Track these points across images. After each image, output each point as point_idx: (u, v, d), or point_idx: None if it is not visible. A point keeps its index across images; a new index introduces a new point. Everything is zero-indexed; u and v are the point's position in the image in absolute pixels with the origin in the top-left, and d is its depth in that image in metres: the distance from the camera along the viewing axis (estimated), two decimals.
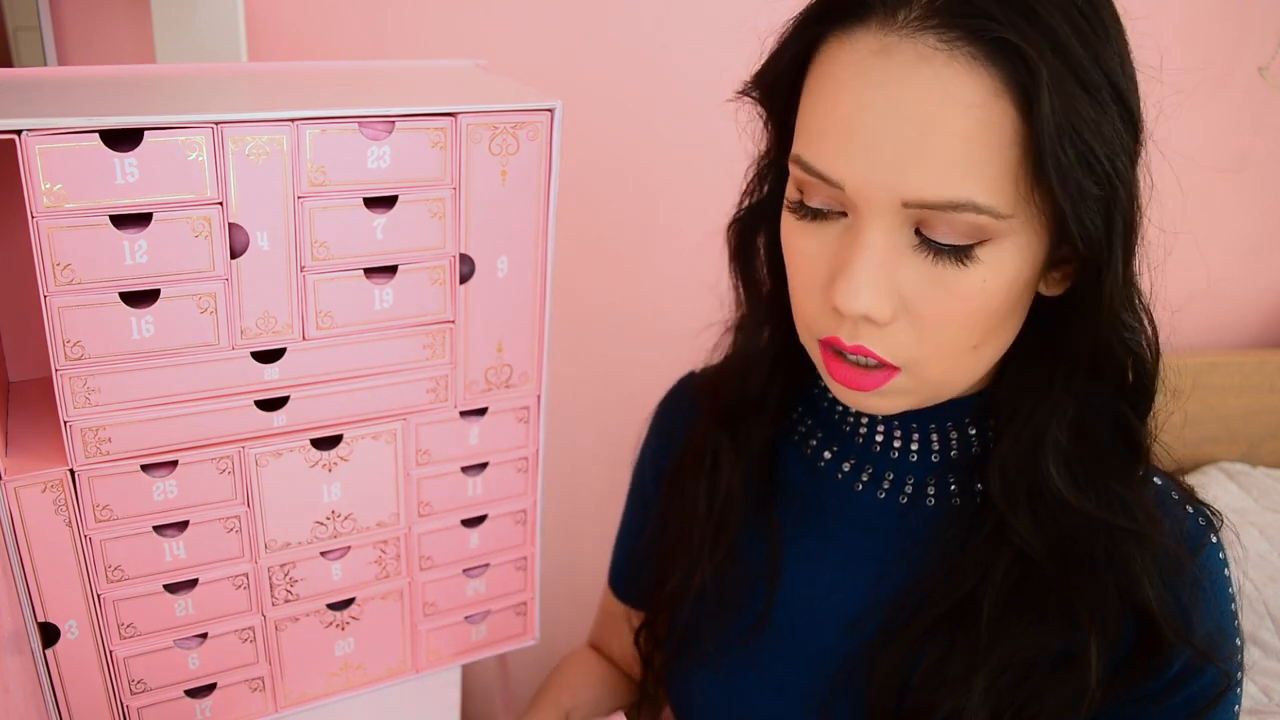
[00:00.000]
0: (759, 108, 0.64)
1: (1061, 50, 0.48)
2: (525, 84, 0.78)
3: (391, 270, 0.71)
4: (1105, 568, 0.58)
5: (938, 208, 0.50)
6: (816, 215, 0.56)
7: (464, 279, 0.74)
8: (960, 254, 0.52)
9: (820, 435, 0.70)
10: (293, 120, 0.64)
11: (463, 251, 0.73)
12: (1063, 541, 0.59)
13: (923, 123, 0.49)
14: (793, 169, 0.56)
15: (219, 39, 0.99)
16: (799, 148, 0.55)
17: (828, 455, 0.69)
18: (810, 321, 0.59)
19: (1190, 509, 0.62)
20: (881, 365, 0.56)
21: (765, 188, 0.67)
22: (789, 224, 0.58)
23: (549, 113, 0.71)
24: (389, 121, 0.66)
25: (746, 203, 0.69)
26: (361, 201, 0.68)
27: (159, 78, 0.73)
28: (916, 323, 0.54)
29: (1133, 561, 0.58)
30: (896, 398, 0.58)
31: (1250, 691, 1.35)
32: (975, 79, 0.49)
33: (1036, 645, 0.59)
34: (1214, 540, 0.62)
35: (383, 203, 0.69)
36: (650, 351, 1.55)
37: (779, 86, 0.59)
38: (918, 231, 0.52)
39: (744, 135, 0.67)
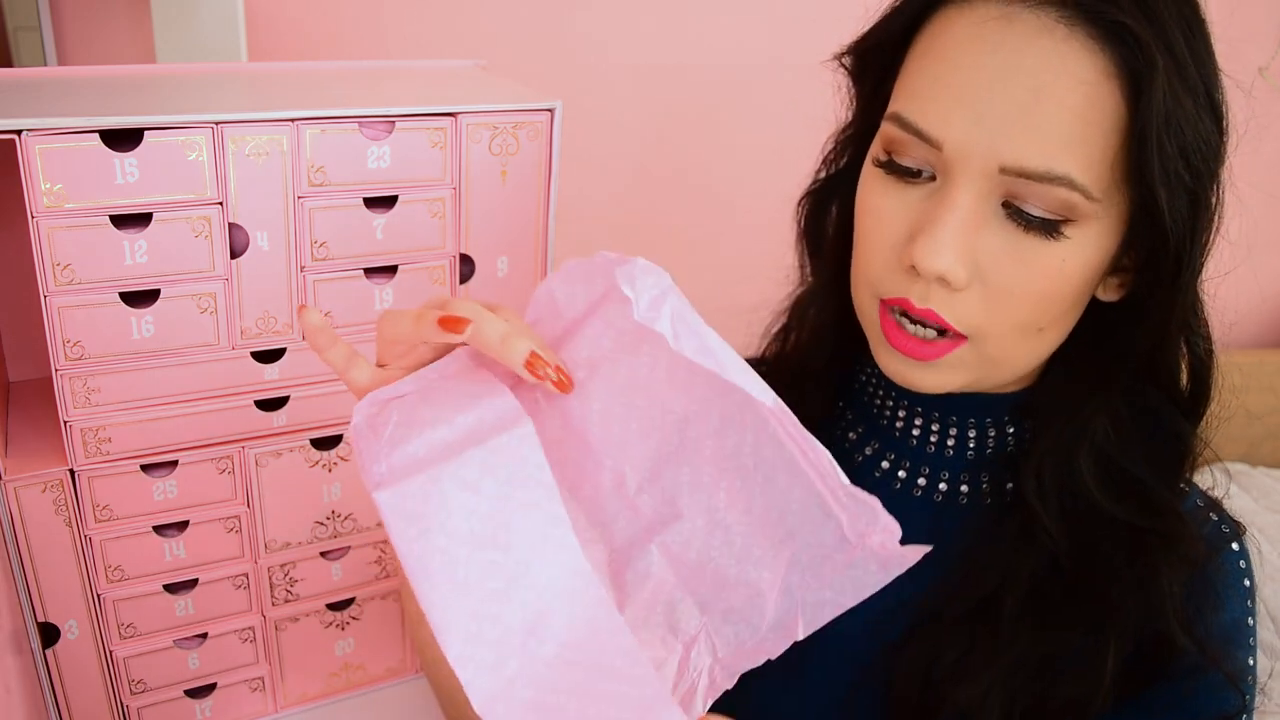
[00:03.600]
0: (848, 78, 0.64)
1: (1171, 47, 0.50)
2: (525, 84, 0.78)
3: (391, 270, 0.71)
4: (1129, 573, 0.58)
5: (1034, 178, 0.51)
6: (904, 175, 0.56)
7: (464, 279, 0.74)
8: (1048, 228, 0.52)
9: (860, 429, 0.70)
10: (293, 120, 0.64)
11: (463, 251, 0.73)
12: (1090, 544, 0.59)
13: (1035, 90, 0.50)
14: (888, 127, 0.56)
15: (219, 39, 0.99)
16: (899, 106, 0.55)
17: (868, 451, 0.69)
18: (877, 282, 0.58)
19: (1215, 516, 0.62)
20: (944, 334, 0.56)
21: (845, 159, 0.67)
22: (871, 183, 0.58)
23: (549, 113, 0.71)
24: (389, 121, 0.66)
25: (824, 174, 0.69)
26: (361, 201, 0.68)
27: (159, 78, 0.73)
28: (988, 293, 0.54)
29: (1158, 570, 0.58)
30: (950, 373, 0.58)
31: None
32: (1091, 57, 0.50)
33: (1054, 645, 0.59)
34: (1234, 548, 0.62)
35: (383, 203, 0.69)
36: None
37: (883, 51, 0.59)
38: (1005, 203, 0.53)
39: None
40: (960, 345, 0.56)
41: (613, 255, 0.48)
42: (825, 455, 0.46)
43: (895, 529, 0.46)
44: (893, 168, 0.56)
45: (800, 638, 0.49)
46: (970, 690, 0.59)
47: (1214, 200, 0.54)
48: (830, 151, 0.69)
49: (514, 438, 0.46)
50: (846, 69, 0.64)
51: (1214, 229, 0.55)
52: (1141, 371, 0.59)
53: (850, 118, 0.67)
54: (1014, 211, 0.53)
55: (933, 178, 0.55)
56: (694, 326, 0.45)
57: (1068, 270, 0.53)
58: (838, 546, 0.48)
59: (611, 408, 0.50)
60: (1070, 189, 0.51)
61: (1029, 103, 0.50)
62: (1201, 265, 0.55)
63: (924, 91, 0.54)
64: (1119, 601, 0.58)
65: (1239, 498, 1.67)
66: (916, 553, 0.46)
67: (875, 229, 0.58)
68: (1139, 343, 0.57)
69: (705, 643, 0.50)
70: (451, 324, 0.47)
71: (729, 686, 0.50)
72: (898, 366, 0.59)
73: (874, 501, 0.46)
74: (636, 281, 0.46)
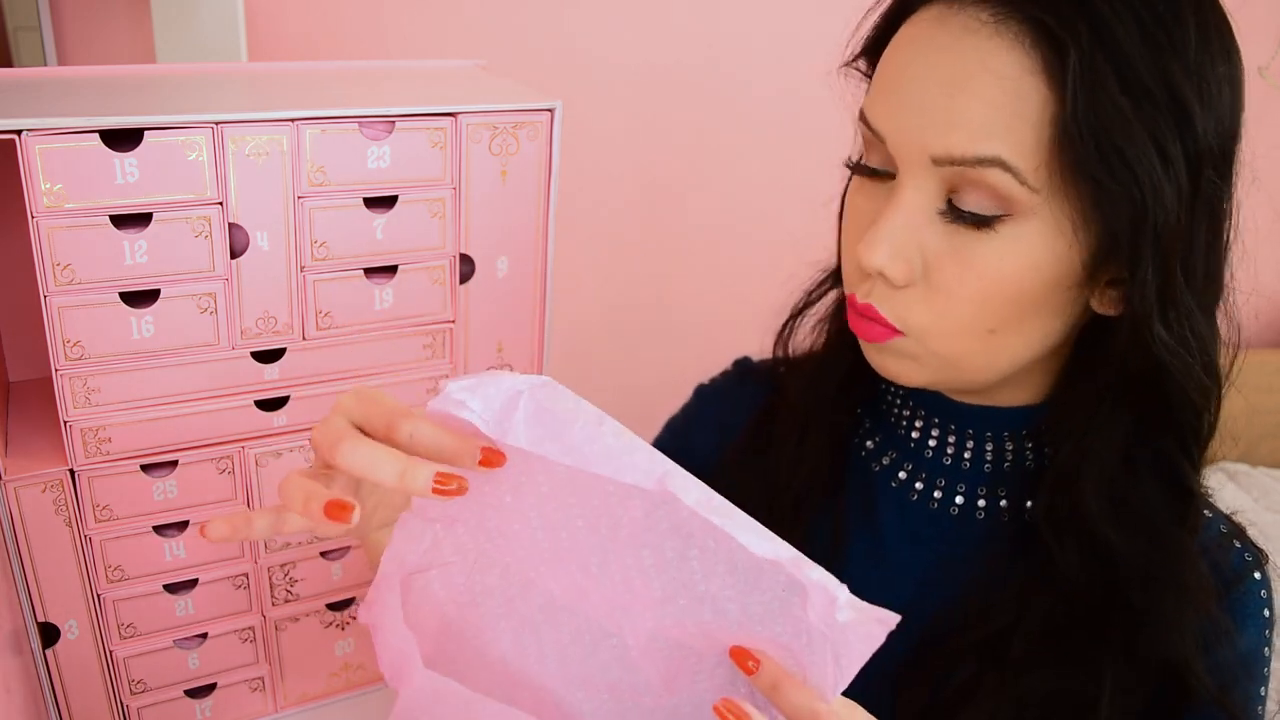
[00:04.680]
0: (865, 81, 0.66)
1: (1108, 44, 0.49)
2: (525, 84, 0.78)
3: (391, 270, 0.71)
4: (1142, 615, 0.57)
5: (965, 163, 0.51)
6: (873, 174, 0.58)
7: (464, 279, 0.74)
8: (980, 222, 0.53)
9: (878, 438, 0.70)
10: (293, 120, 0.64)
11: (463, 251, 0.73)
12: (1103, 577, 0.58)
13: (953, 85, 0.51)
14: (859, 126, 0.58)
15: (219, 39, 0.99)
16: (863, 104, 0.58)
17: (885, 461, 0.69)
18: (846, 278, 0.61)
19: (1238, 544, 0.61)
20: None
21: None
22: (852, 183, 0.61)
23: (549, 113, 0.71)
24: (389, 121, 0.66)
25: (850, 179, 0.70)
26: (361, 201, 0.68)
27: (159, 78, 0.73)
28: (930, 291, 0.55)
29: (1169, 615, 0.56)
30: (907, 363, 0.59)
31: None
32: (1012, 54, 0.51)
33: (1061, 684, 0.58)
34: (1256, 577, 0.60)
35: (383, 203, 0.69)
36: (650, 351, 1.55)
37: (870, 57, 0.62)
38: (948, 200, 0.54)
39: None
40: (898, 336, 0.57)
41: (449, 382, 0.46)
42: (737, 525, 0.42)
43: (840, 588, 0.42)
44: (861, 168, 0.59)
45: (841, 687, 0.45)
46: (975, 716, 0.59)
47: (1169, 209, 0.50)
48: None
49: (422, 679, 0.48)
50: (862, 72, 0.65)
51: (1179, 240, 0.51)
52: (1138, 395, 0.56)
53: None
54: (950, 207, 0.54)
55: (892, 175, 0.57)
56: (555, 421, 0.43)
57: (1007, 270, 0.53)
58: (827, 602, 0.43)
59: (547, 513, 0.49)
60: (1004, 170, 0.50)
61: (949, 96, 0.52)
62: (1167, 277, 0.51)
63: (875, 90, 0.57)
64: (1130, 640, 0.57)
65: (1239, 498, 1.67)
66: (890, 618, 0.42)
67: (846, 229, 0.60)
68: (1130, 363, 0.55)
69: (760, 698, 0.49)
70: (336, 513, 0.45)
71: None
72: (867, 353, 0.61)
73: (815, 570, 0.42)
74: (473, 397, 0.44)
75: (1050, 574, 0.59)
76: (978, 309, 0.54)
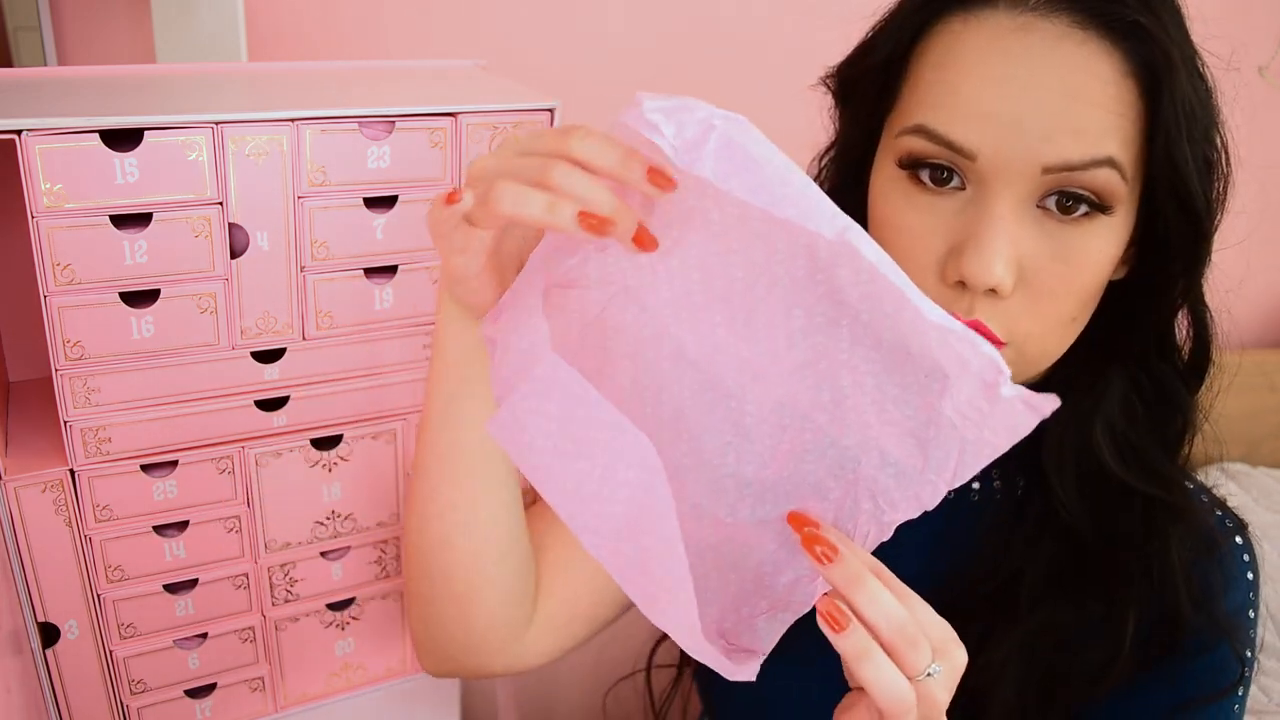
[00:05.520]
0: (835, 100, 0.65)
1: (1172, 34, 0.53)
2: (525, 84, 0.78)
3: (391, 270, 0.71)
4: (1143, 545, 0.60)
5: (1080, 168, 0.52)
6: (933, 188, 0.56)
7: None
8: (1084, 220, 0.54)
9: None
10: (293, 120, 0.64)
11: None
12: (1105, 516, 0.61)
13: (1066, 92, 0.52)
14: (909, 140, 0.56)
15: (219, 39, 0.99)
16: (922, 118, 0.55)
17: None
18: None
19: (1219, 512, 0.64)
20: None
21: (838, 179, 0.67)
22: (894, 198, 0.58)
23: (549, 113, 0.71)
24: (389, 121, 0.66)
25: None
26: (361, 201, 0.68)
27: (159, 78, 0.73)
28: (1031, 294, 0.55)
29: (1167, 536, 0.60)
30: None
31: (1250, 691, 1.35)
32: (1109, 58, 0.52)
33: (1073, 615, 0.60)
34: (1238, 541, 0.63)
35: (383, 203, 0.69)
36: None
37: (882, 69, 0.59)
38: (1041, 204, 0.54)
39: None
40: (1001, 349, 0.56)
41: (645, 96, 0.44)
42: (910, 289, 0.42)
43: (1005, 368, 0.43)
44: (919, 180, 0.56)
45: (956, 484, 0.46)
46: (989, 657, 0.60)
47: (1225, 167, 0.57)
48: (819, 172, 0.69)
49: (549, 367, 0.45)
50: (832, 90, 0.64)
51: (1226, 195, 0.57)
52: (1153, 345, 0.61)
53: (835, 138, 0.66)
54: (1050, 209, 0.54)
55: (961, 188, 0.55)
56: (748, 158, 0.41)
57: (1101, 259, 0.55)
58: (980, 386, 0.43)
59: (708, 259, 0.48)
60: (1112, 168, 0.52)
61: (1064, 105, 0.52)
62: (1212, 233, 0.57)
63: (948, 104, 0.54)
64: (1136, 571, 0.60)
65: (1239, 498, 1.67)
66: (1052, 401, 0.42)
67: (908, 246, 0.57)
68: (1156, 315, 0.60)
69: (864, 488, 0.49)
70: (595, 226, 0.43)
71: (885, 539, 0.49)
72: None
73: (986, 344, 0.42)
74: (668, 122, 0.42)
75: (1052, 528, 0.62)
76: (1074, 301, 0.56)
